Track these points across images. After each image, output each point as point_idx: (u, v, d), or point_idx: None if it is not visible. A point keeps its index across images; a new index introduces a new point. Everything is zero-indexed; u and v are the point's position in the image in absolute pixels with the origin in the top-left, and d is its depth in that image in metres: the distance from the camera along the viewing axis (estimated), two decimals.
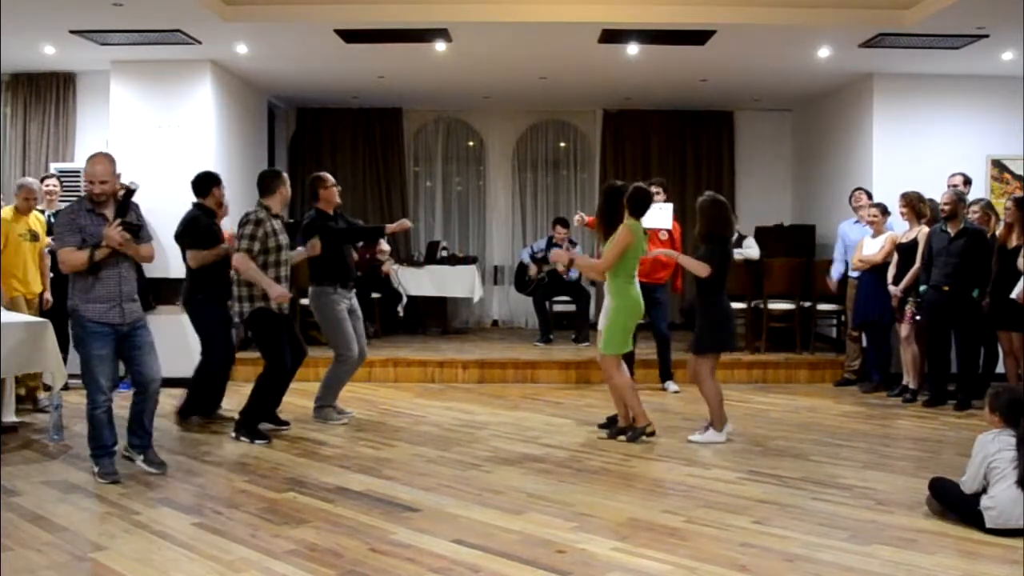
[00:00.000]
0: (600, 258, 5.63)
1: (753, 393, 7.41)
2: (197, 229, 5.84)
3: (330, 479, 4.76)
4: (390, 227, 6.33)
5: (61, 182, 7.63)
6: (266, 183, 5.67)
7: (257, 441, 5.54)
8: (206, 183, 6.00)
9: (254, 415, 5.64)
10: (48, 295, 6.67)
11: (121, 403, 6.85)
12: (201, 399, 6.08)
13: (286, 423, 5.93)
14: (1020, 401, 4.01)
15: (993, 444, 3.96)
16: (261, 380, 5.65)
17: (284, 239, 5.61)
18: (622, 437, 5.61)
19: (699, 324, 5.60)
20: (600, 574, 3.46)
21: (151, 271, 7.47)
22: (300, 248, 5.95)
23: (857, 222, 7.60)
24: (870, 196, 7.60)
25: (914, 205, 7.00)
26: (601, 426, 5.89)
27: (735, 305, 8.17)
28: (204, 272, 5.85)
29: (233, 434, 5.63)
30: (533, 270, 9.08)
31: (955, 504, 4.04)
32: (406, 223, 6.35)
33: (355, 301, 6.22)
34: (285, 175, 5.80)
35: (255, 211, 5.54)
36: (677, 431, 5.95)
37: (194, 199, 6.01)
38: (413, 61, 7.62)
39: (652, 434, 5.57)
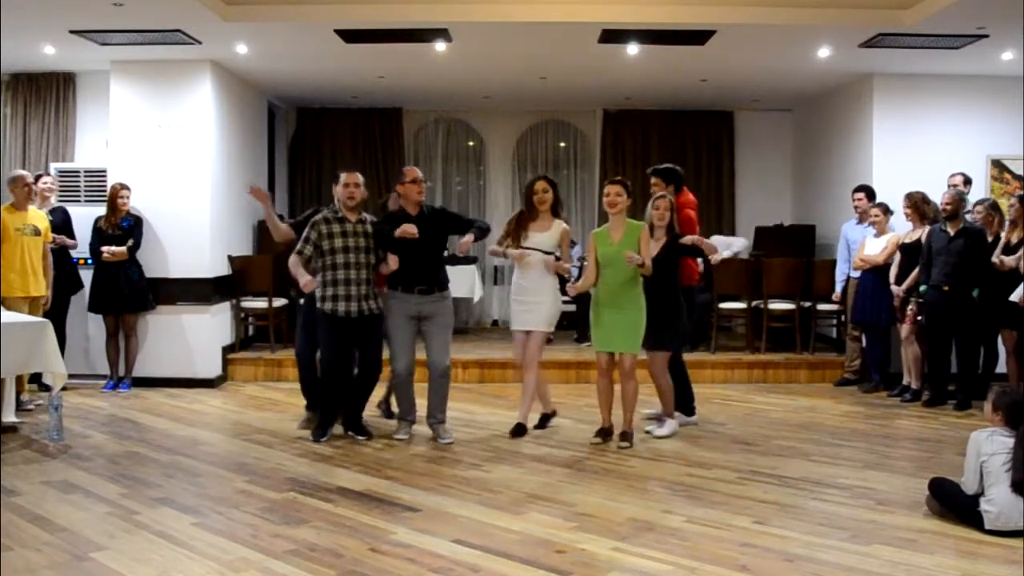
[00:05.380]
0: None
1: (753, 393, 7.41)
2: (300, 226, 5.80)
3: (330, 479, 4.77)
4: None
5: (60, 182, 7.65)
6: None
7: (317, 439, 5.58)
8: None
9: (321, 413, 5.70)
10: (49, 293, 6.52)
11: (122, 403, 6.90)
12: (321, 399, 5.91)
13: (366, 434, 5.69)
14: (1020, 404, 4.01)
15: (987, 444, 3.96)
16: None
17: (344, 242, 5.47)
18: (624, 444, 5.51)
19: (660, 320, 5.48)
20: (600, 574, 3.46)
21: (151, 271, 7.48)
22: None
23: (859, 223, 7.60)
24: (871, 194, 7.59)
25: (918, 206, 7.00)
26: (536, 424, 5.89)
27: (734, 305, 8.27)
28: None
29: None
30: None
31: (955, 504, 4.04)
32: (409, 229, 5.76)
33: (430, 307, 5.62)
34: (343, 174, 5.59)
35: (320, 213, 5.59)
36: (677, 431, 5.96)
37: None
38: (413, 61, 7.62)
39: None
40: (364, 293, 5.53)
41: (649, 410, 6.16)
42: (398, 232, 5.45)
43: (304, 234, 5.52)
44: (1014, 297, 6.25)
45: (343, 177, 5.59)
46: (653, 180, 6.08)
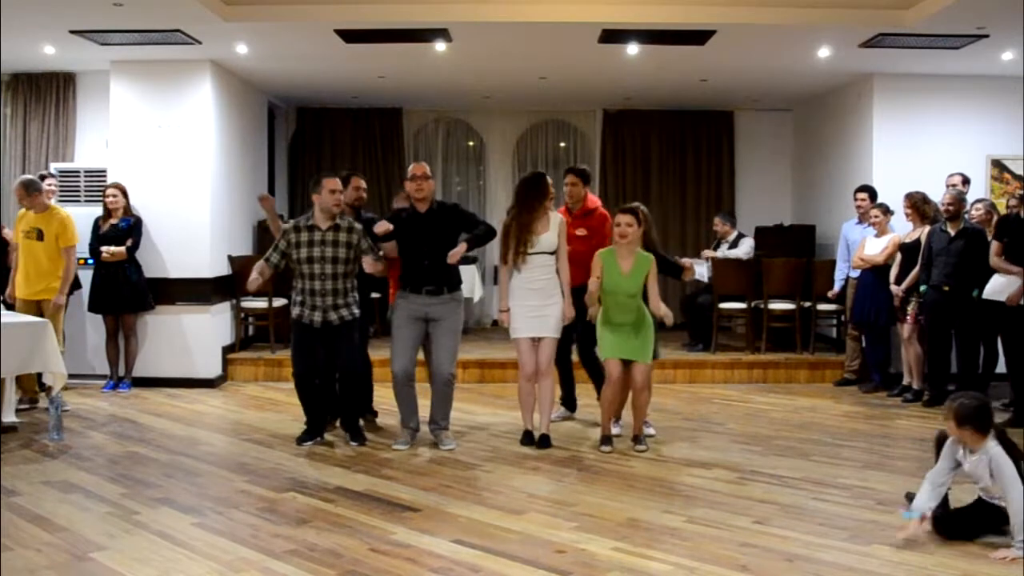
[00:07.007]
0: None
1: (753, 393, 7.41)
2: None
3: (330, 479, 4.77)
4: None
5: (60, 182, 7.64)
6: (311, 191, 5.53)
7: (300, 443, 5.52)
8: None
9: (306, 418, 5.65)
10: (58, 297, 6.44)
11: (122, 403, 6.90)
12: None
13: (359, 439, 5.57)
14: (986, 405, 3.82)
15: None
16: None
17: (310, 252, 5.33)
18: (641, 447, 5.42)
19: (655, 331, 5.45)
20: (600, 574, 3.46)
21: (151, 271, 7.48)
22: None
23: (860, 223, 7.60)
24: (873, 194, 7.58)
25: (918, 206, 7.00)
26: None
27: (735, 305, 8.27)
28: None
29: None
30: None
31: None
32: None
33: (438, 309, 5.43)
34: (325, 180, 5.39)
35: (297, 220, 5.53)
36: (677, 431, 5.97)
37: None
38: (413, 61, 7.62)
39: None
40: (331, 303, 5.39)
41: (558, 412, 6.25)
42: (376, 229, 5.37)
43: (275, 241, 5.51)
44: (995, 296, 6.24)
45: (326, 183, 5.38)
46: (571, 179, 6.06)
